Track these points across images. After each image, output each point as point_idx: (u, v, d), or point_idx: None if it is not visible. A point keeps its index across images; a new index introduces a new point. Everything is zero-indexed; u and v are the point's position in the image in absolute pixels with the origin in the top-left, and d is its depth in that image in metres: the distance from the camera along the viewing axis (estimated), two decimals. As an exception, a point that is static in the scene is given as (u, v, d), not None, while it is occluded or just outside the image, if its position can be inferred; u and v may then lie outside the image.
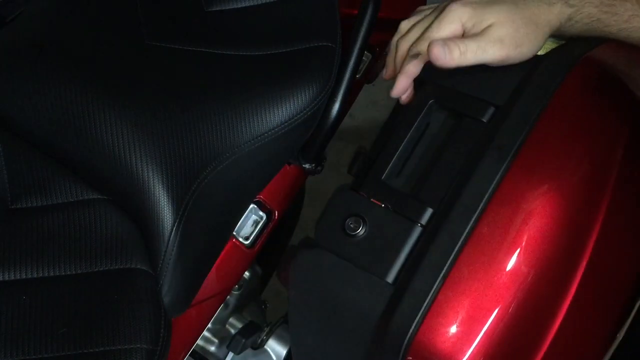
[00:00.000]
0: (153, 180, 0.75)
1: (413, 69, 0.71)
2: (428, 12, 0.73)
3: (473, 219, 0.62)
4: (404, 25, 0.74)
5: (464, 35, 0.68)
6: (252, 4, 0.88)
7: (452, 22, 0.67)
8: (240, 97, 0.79)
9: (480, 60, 0.66)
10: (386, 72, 0.76)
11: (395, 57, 0.74)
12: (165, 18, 0.87)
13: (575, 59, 0.67)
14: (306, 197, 1.28)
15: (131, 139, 0.76)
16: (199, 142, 0.77)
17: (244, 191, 0.84)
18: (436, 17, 0.69)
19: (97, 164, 0.77)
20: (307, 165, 0.87)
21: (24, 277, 0.74)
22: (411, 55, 0.70)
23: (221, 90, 0.80)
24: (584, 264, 0.63)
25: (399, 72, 0.72)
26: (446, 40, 0.66)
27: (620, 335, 0.69)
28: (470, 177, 0.64)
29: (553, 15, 0.66)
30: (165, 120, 0.77)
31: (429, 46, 0.66)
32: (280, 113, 0.79)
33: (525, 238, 0.61)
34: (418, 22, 0.72)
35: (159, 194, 0.75)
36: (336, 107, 0.83)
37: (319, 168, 0.89)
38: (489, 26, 0.66)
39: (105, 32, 0.85)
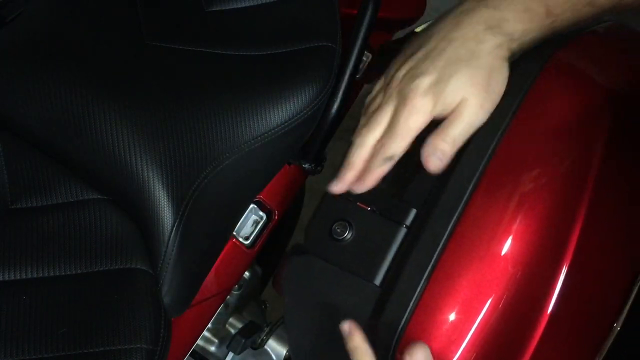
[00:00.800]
0: (153, 180, 0.75)
1: (386, 170, 0.65)
2: (378, 99, 0.67)
3: (454, 217, 0.63)
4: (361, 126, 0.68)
5: (435, 118, 0.63)
6: (252, 4, 0.88)
7: (419, 116, 0.62)
8: (240, 97, 0.79)
9: (467, 136, 0.63)
10: (349, 171, 0.66)
11: (360, 154, 0.66)
12: (165, 18, 0.87)
13: (545, 57, 0.67)
14: (306, 197, 1.28)
15: (131, 139, 0.76)
16: (199, 142, 0.77)
17: (244, 191, 0.84)
18: (398, 114, 0.63)
19: (97, 164, 0.77)
20: (307, 165, 0.87)
21: (24, 277, 0.74)
22: (385, 158, 0.65)
23: (221, 90, 0.80)
24: (569, 258, 0.63)
25: (369, 172, 0.65)
26: (434, 144, 0.62)
27: (617, 326, 0.70)
28: (451, 175, 0.64)
29: (504, 52, 0.63)
30: (165, 120, 0.77)
31: (423, 156, 0.63)
32: (280, 113, 0.79)
33: (507, 234, 0.62)
34: (375, 118, 0.66)
35: (159, 194, 0.75)
36: (336, 107, 0.83)
37: (319, 168, 0.89)
38: (460, 104, 0.62)
39: (105, 32, 0.85)
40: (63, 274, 0.74)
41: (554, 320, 0.63)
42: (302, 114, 0.80)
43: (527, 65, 0.67)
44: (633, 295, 0.70)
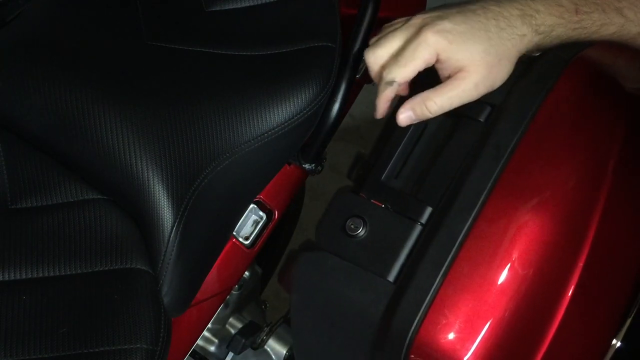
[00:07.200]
0: (153, 180, 0.75)
1: (390, 95, 0.69)
2: (399, 25, 0.69)
3: (472, 216, 0.63)
4: (374, 41, 0.71)
5: (437, 65, 0.65)
6: (252, 4, 0.88)
7: (427, 49, 0.64)
8: (240, 97, 0.79)
9: (453, 107, 0.65)
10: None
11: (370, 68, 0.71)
12: (165, 18, 0.87)
13: (568, 58, 0.68)
14: (306, 197, 1.28)
15: (131, 139, 0.76)
16: (199, 142, 0.77)
17: (244, 191, 0.84)
18: (410, 42, 0.65)
19: (97, 164, 0.77)
20: (307, 165, 0.87)
21: (24, 277, 0.74)
22: (386, 82, 0.67)
23: (221, 90, 0.80)
24: (583, 259, 0.63)
25: (377, 97, 0.70)
26: (412, 104, 0.65)
27: (617, 342, 0.69)
28: (468, 175, 0.64)
29: (523, 45, 0.65)
30: (165, 120, 0.77)
31: (406, 105, 0.66)
32: (280, 113, 0.79)
33: (523, 235, 0.62)
34: (389, 35, 0.68)
35: (159, 194, 0.75)
36: (336, 107, 0.83)
37: (319, 168, 0.89)
38: (461, 71, 0.63)
39: (105, 32, 0.85)
40: (63, 274, 0.74)
41: (568, 319, 0.63)
42: (302, 114, 0.80)
43: (550, 63, 0.67)
44: (635, 310, 0.70)
